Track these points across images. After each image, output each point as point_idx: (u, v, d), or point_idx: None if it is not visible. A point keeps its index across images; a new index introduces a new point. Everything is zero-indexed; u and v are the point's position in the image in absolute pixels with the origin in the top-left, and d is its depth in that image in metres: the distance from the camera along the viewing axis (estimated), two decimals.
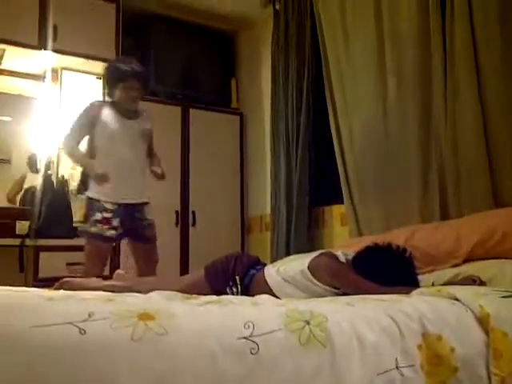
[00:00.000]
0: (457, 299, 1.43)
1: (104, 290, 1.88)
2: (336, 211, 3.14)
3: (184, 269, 3.62)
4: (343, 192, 2.90)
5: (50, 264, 3.18)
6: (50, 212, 3.30)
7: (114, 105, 2.68)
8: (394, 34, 2.63)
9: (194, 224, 3.73)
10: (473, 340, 1.32)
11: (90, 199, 2.65)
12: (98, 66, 3.69)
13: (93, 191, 2.64)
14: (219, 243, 3.75)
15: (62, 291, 1.88)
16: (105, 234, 2.57)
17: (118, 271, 2.45)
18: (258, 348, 1.04)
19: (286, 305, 1.26)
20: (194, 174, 3.80)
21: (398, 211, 2.59)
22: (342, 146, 2.91)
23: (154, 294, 1.46)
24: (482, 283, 1.66)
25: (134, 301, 1.29)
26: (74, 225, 3.44)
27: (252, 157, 4.02)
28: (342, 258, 1.77)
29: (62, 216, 3.36)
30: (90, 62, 3.62)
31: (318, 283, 1.71)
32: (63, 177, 3.51)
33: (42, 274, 3.16)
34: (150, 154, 2.86)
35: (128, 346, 0.93)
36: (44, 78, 3.67)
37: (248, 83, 4.13)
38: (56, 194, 3.39)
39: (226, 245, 3.78)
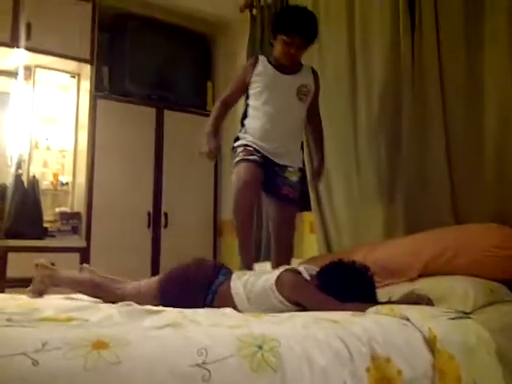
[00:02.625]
0: (408, 319, 1.50)
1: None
2: (306, 218, 3.19)
3: (155, 270, 3.64)
4: (311, 200, 2.96)
5: (18, 265, 3.17)
6: (20, 212, 3.29)
7: (271, 56, 2.44)
8: (366, 48, 2.69)
9: (166, 226, 3.74)
10: (420, 362, 1.38)
11: (233, 148, 2.50)
12: (73, 65, 3.68)
13: (238, 142, 2.48)
14: (191, 246, 3.78)
15: (26, 301, 1.90)
16: (248, 157, 2.34)
17: (84, 265, 2.44)
18: (210, 375, 1.08)
19: (242, 327, 1.30)
20: (168, 176, 3.81)
21: (364, 222, 2.66)
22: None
23: (114, 312, 1.48)
24: (429, 302, 1.73)
25: (92, 322, 1.31)
26: (44, 225, 3.44)
27: (226, 160, 4.04)
28: (306, 274, 1.82)
29: (32, 216, 3.35)
30: (65, 60, 3.60)
31: (282, 300, 1.75)
32: (34, 176, 3.49)
33: (10, 274, 3.15)
34: (311, 120, 2.54)
35: (80, 376, 0.95)
36: (17, 74, 3.64)
37: (224, 86, 4.11)
38: (26, 193, 3.37)
39: (197, 247, 3.82)
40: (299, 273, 1.83)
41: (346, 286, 1.76)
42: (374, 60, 2.63)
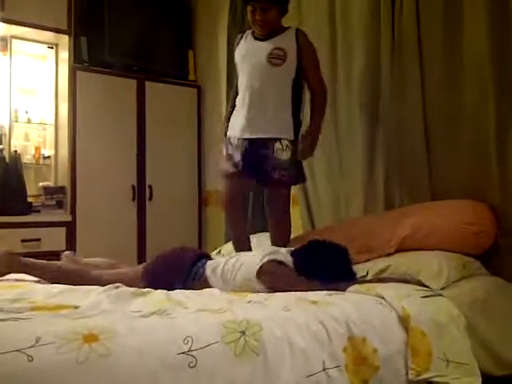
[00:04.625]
0: (384, 298, 1.59)
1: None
2: None
3: (141, 243, 3.69)
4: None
5: (4, 241, 3.18)
6: (4, 188, 3.28)
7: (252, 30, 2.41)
8: (346, 16, 2.69)
9: (150, 198, 3.76)
10: (394, 339, 1.48)
11: (226, 137, 2.44)
12: (50, 35, 3.59)
13: (229, 129, 2.44)
14: (176, 218, 3.82)
15: (13, 283, 1.93)
16: (228, 171, 2.36)
17: (66, 253, 2.46)
18: (196, 361, 1.15)
19: (226, 312, 1.36)
20: (151, 148, 3.80)
21: (344, 198, 2.73)
22: None
23: (102, 297, 1.53)
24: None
25: (81, 310, 1.36)
26: (28, 200, 3.44)
27: (210, 130, 4.04)
28: (288, 260, 1.87)
29: (16, 192, 3.34)
30: (42, 30, 3.51)
31: (265, 288, 1.80)
32: (16, 151, 3.45)
33: None
34: (308, 87, 2.38)
35: (73, 370, 1.01)
36: None
37: (206, 55, 4.09)
38: (9, 169, 3.35)
39: (183, 219, 3.87)
40: (280, 262, 1.87)
41: (323, 266, 1.83)
42: (353, 28, 2.63)
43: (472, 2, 2.16)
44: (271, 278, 1.79)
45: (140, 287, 1.75)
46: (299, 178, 2.41)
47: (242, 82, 2.38)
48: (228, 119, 2.48)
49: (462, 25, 2.22)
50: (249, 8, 2.33)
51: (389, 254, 2.11)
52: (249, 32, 2.46)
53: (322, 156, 2.80)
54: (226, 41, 3.70)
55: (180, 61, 4.03)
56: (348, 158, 2.69)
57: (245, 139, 2.33)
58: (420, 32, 2.35)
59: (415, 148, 2.37)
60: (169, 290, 1.71)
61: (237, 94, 2.45)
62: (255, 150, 2.30)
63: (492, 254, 2.07)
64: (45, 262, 2.15)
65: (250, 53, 2.38)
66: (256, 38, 2.40)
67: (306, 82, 2.37)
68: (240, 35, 2.51)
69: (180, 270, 1.91)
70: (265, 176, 2.31)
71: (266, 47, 2.32)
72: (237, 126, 2.37)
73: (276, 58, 2.29)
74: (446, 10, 2.27)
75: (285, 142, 2.29)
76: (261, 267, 1.81)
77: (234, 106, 2.47)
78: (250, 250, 2.38)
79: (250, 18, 2.34)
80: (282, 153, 2.28)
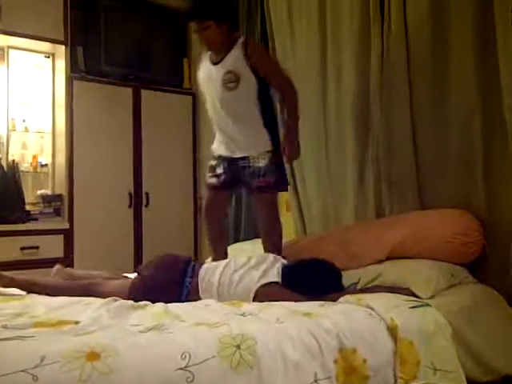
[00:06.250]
0: (373, 309, 1.65)
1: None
2: (282, 197, 3.30)
3: (138, 250, 3.74)
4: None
5: (2, 249, 3.23)
6: (2, 197, 3.32)
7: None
8: (336, 34, 2.75)
9: (147, 205, 3.82)
10: (383, 350, 1.54)
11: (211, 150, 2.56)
12: (47, 45, 3.63)
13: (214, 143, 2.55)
14: (172, 224, 3.88)
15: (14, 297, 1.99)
16: (207, 181, 2.50)
17: (57, 266, 2.44)
18: (194, 377, 1.21)
19: (222, 326, 1.42)
20: (147, 155, 3.85)
21: (335, 204, 2.79)
22: None
23: (102, 312, 1.58)
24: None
25: (83, 325, 1.42)
26: (26, 208, 3.48)
27: (205, 137, 4.08)
28: (278, 269, 1.95)
29: (14, 200, 3.38)
30: (38, 41, 3.55)
31: None
32: (14, 160, 3.50)
33: None
34: (274, 87, 2.36)
35: None
36: None
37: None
38: (7, 178, 3.39)
39: (179, 226, 3.92)
40: (274, 283, 1.94)
41: (313, 283, 1.92)
42: (343, 47, 2.70)
43: (458, 18, 2.22)
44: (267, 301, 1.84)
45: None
46: (280, 184, 2.40)
47: (210, 106, 2.43)
48: None
49: (449, 29, 2.27)
50: (193, 28, 2.32)
51: (379, 261, 2.18)
52: (206, 55, 2.42)
53: (312, 165, 2.87)
54: None
55: (175, 69, 4.07)
56: (338, 167, 2.75)
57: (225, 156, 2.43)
58: (409, 50, 2.41)
59: (404, 158, 2.42)
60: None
61: None
62: (235, 163, 2.39)
63: (480, 263, 2.14)
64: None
65: (207, 77, 2.39)
66: (211, 62, 2.36)
67: (271, 86, 2.35)
68: (203, 56, 2.47)
69: (171, 290, 1.96)
70: (247, 186, 2.44)
71: (218, 72, 2.31)
72: (218, 145, 2.48)
73: (230, 83, 2.28)
74: (434, 27, 2.33)
75: (261, 152, 2.34)
76: (259, 289, 1.89)
77: None
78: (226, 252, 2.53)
79: (198, 37, 2.33)
80: (258, 161, 2.33)
